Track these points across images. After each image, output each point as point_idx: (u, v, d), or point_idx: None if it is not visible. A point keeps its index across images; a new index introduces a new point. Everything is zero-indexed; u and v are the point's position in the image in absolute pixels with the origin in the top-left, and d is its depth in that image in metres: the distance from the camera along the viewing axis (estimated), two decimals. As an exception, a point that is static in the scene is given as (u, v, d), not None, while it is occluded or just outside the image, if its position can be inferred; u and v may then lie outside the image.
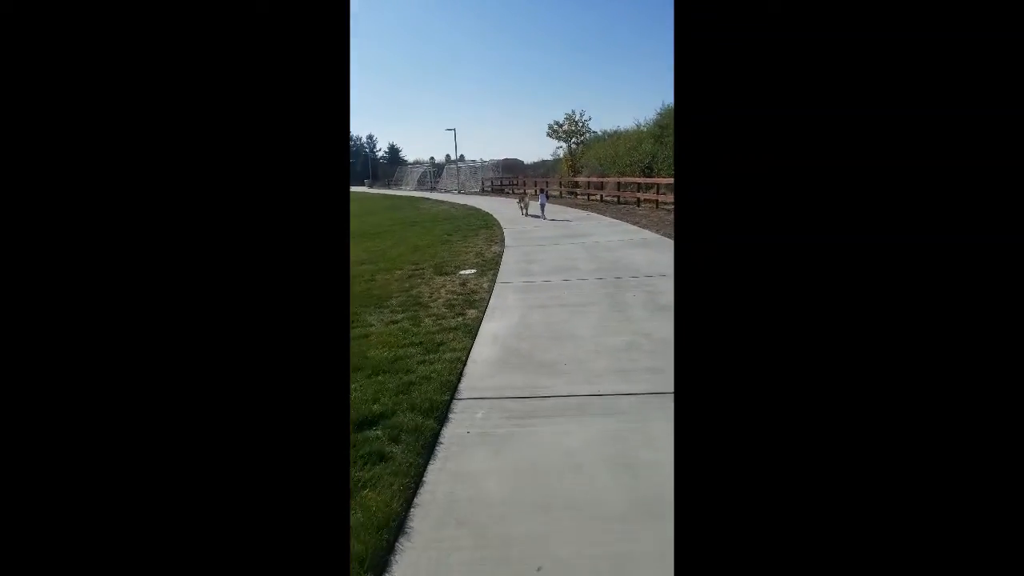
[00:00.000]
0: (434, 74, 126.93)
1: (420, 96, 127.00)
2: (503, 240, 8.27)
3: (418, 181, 36.81)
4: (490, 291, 4.82)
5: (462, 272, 5.84)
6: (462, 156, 36.52)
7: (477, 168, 31.22)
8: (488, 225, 10.68)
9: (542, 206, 11.83)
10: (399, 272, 5.99)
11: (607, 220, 10.48)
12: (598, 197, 15.91)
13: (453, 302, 4.47)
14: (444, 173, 34.30)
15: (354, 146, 72.05)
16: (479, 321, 3.88)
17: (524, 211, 12.53)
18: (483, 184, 27.68)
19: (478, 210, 14.72)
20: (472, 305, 4.34)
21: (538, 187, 16.36)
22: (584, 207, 13.99)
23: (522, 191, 16.99)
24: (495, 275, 5.54)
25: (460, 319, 3.95)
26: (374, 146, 72.58)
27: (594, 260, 6.13)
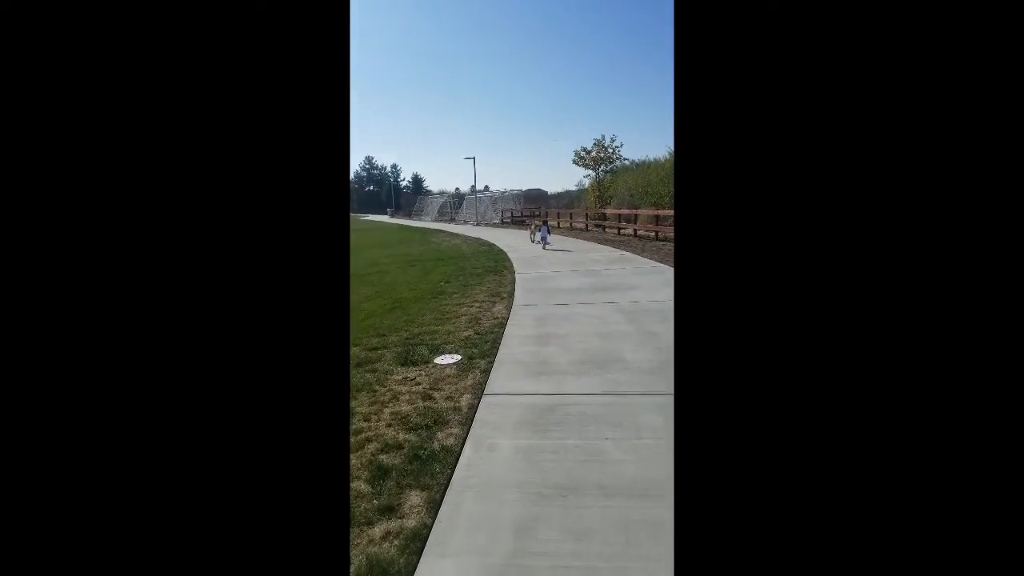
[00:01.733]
0: (459, 103, 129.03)
1: (445, 126, 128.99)
2: (512, 294, 6.21)
3: (438, 212, 35.72)
4: (469, 420, 2.72)
5: (439, 360, 3.76)
6: (486, 187, 35.25)
7: (497, 199, 29.67)
8: (498, 268, 8.66)
9: (543, 238, 12.09)
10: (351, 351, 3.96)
11: (648, 264, 8.33)
12: (630, 231, 13.81)
13: (388, 465, 2.24)
14: (464, 204, 32.96)
15: (379, 175, 72.30)
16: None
17: (532, 239, 12.99)
18: (503, 215, 25.99)
19: (491, 246, 12.78)
20: (419, 476, 2.14)
21: (540, 219, 16.60)
22: (615, 243, 11.91)
23: (532, 222, 17.04)
24: (488, 372, 3.45)
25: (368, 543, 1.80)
26: (398, 176, 72.65)
27: (646, 340, 3.98)
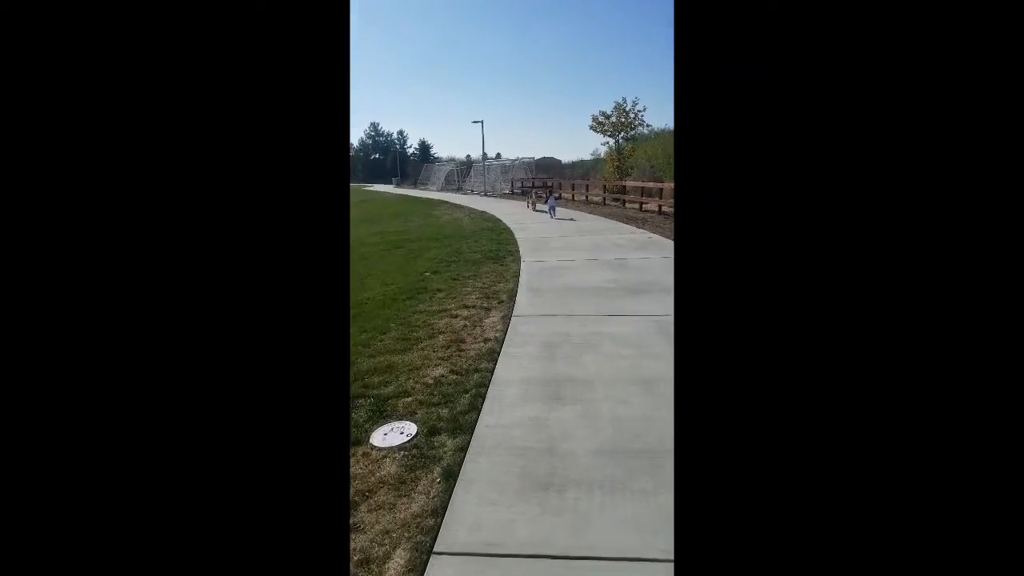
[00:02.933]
0: (468, 67, 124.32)
1: (452, 91, 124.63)
2: (513, 295, 4.68)
3: (445, 181, 33.91)
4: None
5: (378, 439, 2.28)
6: (498, 155, 33.16)
7: (508, 167, 27.72)
8: (500, 253, 7.10)
9: (551, 208, 12.14)
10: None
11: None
12: (654, 207, 12.09)
13: None
14: (471, 173, 31.08)
15: (385, 142, 70.01)
16: None
17: (532, 207, 13.65)
18: (512, 185, 24.17)
19: (496, 223, 11.17)
20: None
21: (547, 189, 16.72)
22: (637, 221, 10.24)
23: (533, 192, 16.73)
24: (453, 479, 1.97)
25: None
26: (404, 142, 70.28)
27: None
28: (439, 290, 5.04)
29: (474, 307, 4.34)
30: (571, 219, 11.29)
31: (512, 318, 3.96)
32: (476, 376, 2.86)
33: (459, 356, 3.21)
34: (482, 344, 3.41)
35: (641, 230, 9.06)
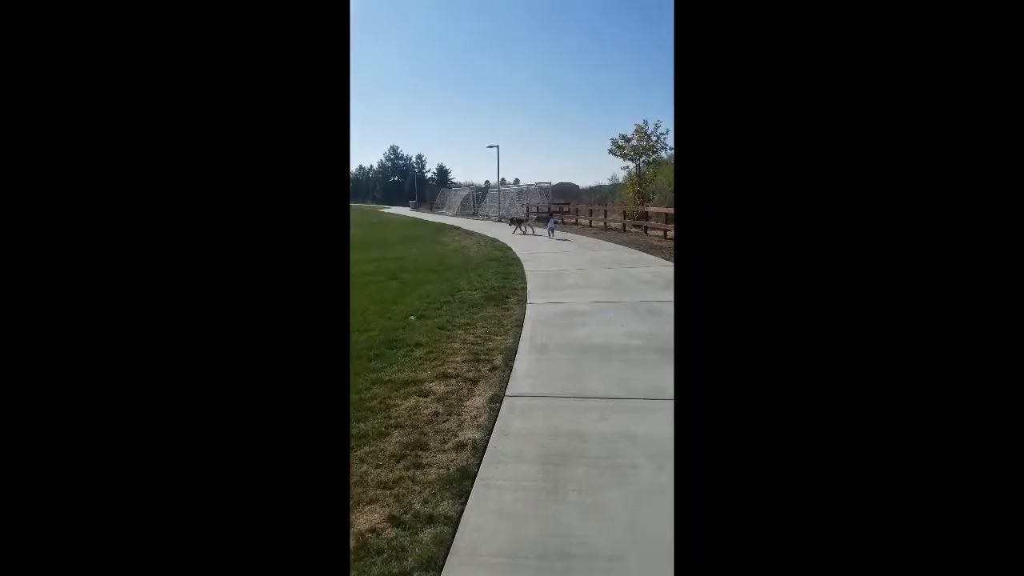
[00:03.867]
0: (488, 93, 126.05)
1: (473, 117, 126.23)
2: (513, 354, 3.52)
3: (460, 205, 33.32)
4: None
5: None
6: (516, 180, 32.49)
7: (523, 192, 26.89)
8: (504, 292, 5.97)
9: (551, 230, 12.78)
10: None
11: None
12: (682, 236, 10.88)
13: None
14: (487, 198, 30.38)
15: (404, 166, 70.46)
16: None
17: (522, 232, 14.10)
18: (528, 210, 23.26)
19: (506, 252, 10.10)
20: None
21: (549, 211, 16.72)
22: (663, 250, 9.05)
23: (522, 218, 16.67)
24: None
25: None
26: (423, 166, 70.59)
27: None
28: (419, 345, 3.92)
29: (456, 377, 3.20)
30: (590, 248, 10.18)
31: (504, 401, 2.80)
32: (426, 536, 1.71)
33: (411, 482, 2.06)
34: (452, 455, 2.26)
35: (668, 262, 7.88)
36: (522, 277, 7.00)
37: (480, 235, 14.55)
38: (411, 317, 4.94)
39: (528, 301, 5.43)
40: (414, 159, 71.33)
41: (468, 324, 4.54)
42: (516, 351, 3.67)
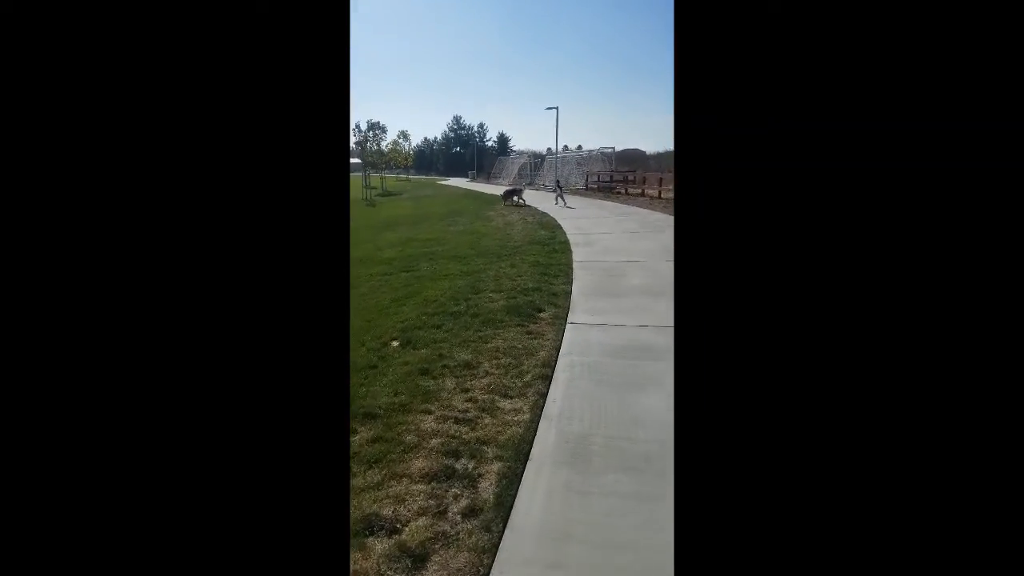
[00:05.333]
0: (551, 53, 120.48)
1: (533, 81, 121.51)
2: (523, 458, 1.93)
3: (518, 174, 31.44)
4: None
5: None
6: (579, 146, 29.89)
7: (584, 159, 24.52)
8: (535, 302, 4.28)
9: (560, 196, 13.38)
10: None
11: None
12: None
13: None
14: (544, 166, 28.27)
15: (465, 135, 69.02)
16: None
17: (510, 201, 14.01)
18: (588, 179, 21.02)
19: (554, 231, 8.31)
20: None
21: (557, 182, 16.23)
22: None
23: (517, 189, 15.66)
24: None
25: None
26: (484, 135, 68.67)
27: None
28: (372, 417, 2.38)
29: (412, 516, 1.63)
30: (661, 228, 8.18)
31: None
32: None
33: None
34: None
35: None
36: (567, 272, 5.27)
37: (531, 209, 12.78)
38: (393, 343, 3.41)
39: (569, 319, 3.73)
40: (476, 128, 69.60)
41: (467, 367, 2.94)
42: (529, 456, 2.02)
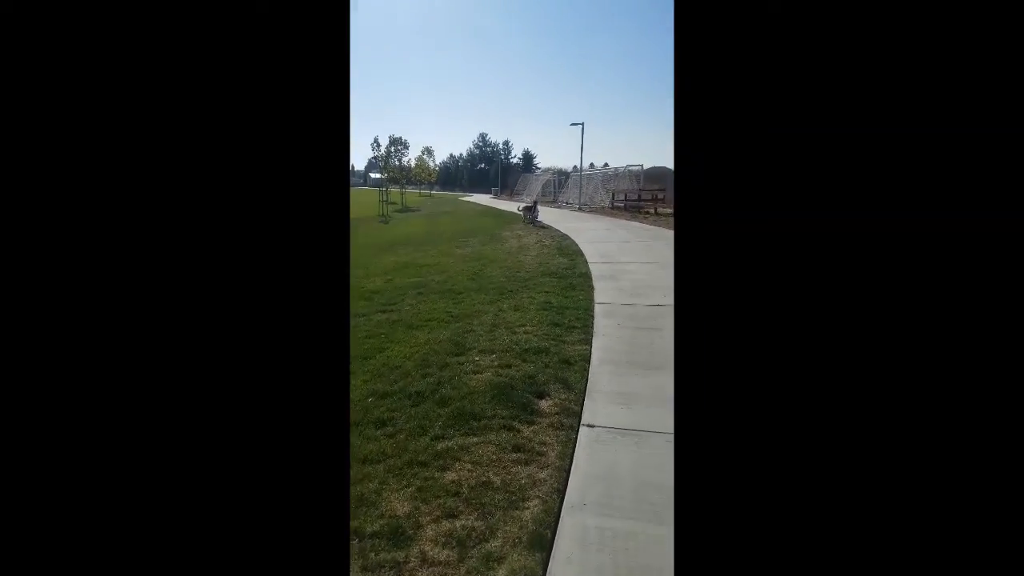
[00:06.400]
0: (576, 71, 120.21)
1: (561, 100, 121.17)
2: None
3: (542, 191, 30.37)
4: None
5: None
6: (605, 164, 28.69)
7: (610, 176, 23.17)
8: (537, 375, 2.96)
9: (532, 212, 12.82)
10: None
11: None
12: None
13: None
14: (568, 183, 27.07)
15: (490, 152, 68.67)
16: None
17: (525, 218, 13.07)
18: (614, 198, 19.64)
19: (575, 257, 6.98)
20: None
21: (533, 202, 15.61)
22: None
23: (530, 205, 14.63)
24: None
25: None
26: (509, 152, 68.11)
27: None
28: None
29: None
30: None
31: None
32: None
33: None
34: None
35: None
36: (585, 322, 3.95)
37: (552, 231, 11.48)
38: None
39: (584, 418, 2.40)
40: (501, 145, 69.10)
41: (391, 538, 1.64)
42: None
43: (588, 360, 3.14)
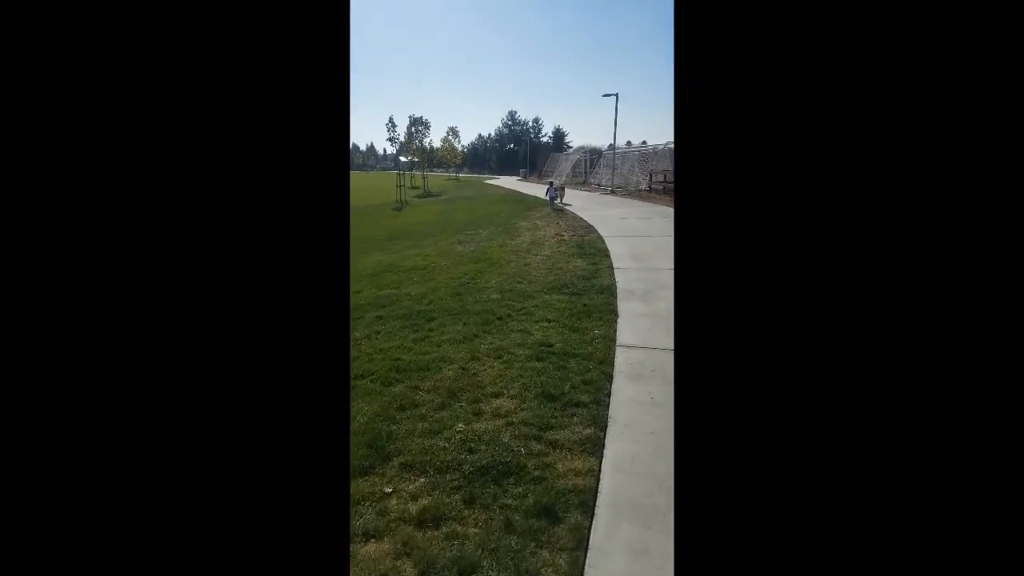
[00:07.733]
0: (610, 42, 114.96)
1: (593, 72, 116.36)
2: None
3: (572, 171, 28.41)
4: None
5: None
6: (644, 142, 26.39)
7: (647, 155, 21.00)
8: (516, 507, 1.49)
9: (552, 199, 12.07)
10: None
11: None
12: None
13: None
14: (600, 163, 25.03)
15: (520, 131, 66.40)
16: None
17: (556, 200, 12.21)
18: (651, 179, 17.61)
19: (599, 260, 5.37)
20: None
21: (552, 184, 14.39)
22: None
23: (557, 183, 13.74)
24: None
25: None
26: (539, 131, 65.58)
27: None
28: None
29: None
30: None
31: None
32: None
33: None
34: None
35: None
36: (596, 393, 2.41)
37: (576, 218, 9.83)
38: None
39: None
40: (530, 124, 66.60)
41: None
42: None
43: (591, 513, 1.61)
